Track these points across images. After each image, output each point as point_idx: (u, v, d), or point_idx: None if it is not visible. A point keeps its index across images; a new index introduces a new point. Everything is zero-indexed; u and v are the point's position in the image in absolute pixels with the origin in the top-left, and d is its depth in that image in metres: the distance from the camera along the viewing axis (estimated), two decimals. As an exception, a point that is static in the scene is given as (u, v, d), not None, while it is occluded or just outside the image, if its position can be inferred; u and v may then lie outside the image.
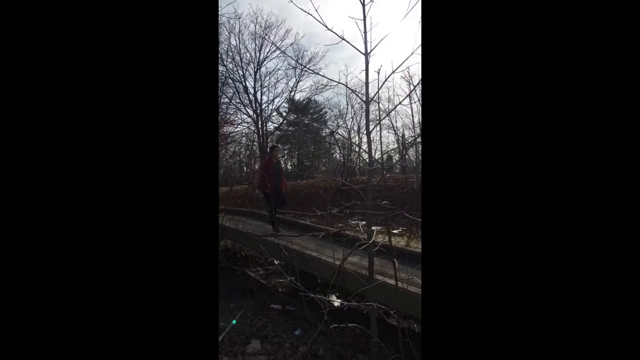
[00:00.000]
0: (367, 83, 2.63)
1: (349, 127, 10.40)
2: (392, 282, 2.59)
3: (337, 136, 10.21)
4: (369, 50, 2.57)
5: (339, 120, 10.78)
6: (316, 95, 14.19)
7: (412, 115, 9.65)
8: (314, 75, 12.44)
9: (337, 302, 3.44)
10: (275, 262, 4.72)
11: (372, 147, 2.62)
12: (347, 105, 10.42)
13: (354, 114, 10.27)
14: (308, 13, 2.62)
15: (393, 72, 2.70)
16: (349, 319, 2.96)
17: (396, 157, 8.71)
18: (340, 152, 10.19)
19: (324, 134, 16.33)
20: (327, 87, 11.68)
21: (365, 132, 2.59)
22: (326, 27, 2.65)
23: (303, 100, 14.79)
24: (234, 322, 3.16)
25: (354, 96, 10.32)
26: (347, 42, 2.65)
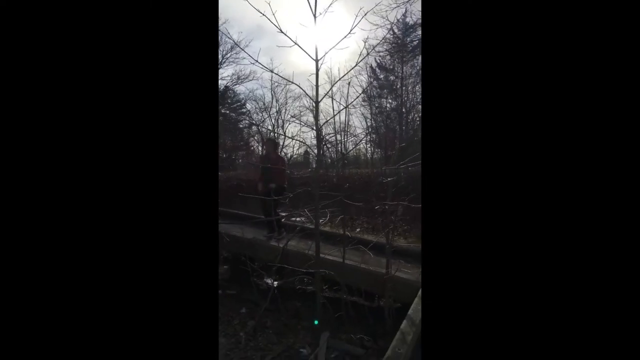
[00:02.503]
0: (317, 85, 2.98)
1: (273, 121, 10.56)
2: (335, 258, 3.05)
3: (263, 129, 10.27)
4: (319, 57, 2.93)
5: (263, 114, 10.81)
6: (237, 85, 13.85)
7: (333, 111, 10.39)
8: (234, 63, 12.03)
9: (275, 282, 3.72)
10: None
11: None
12: (272, 99, 10.55)
13: (279, 108, 10.49)
14: (263, 14, 2.84)
15: (339, 79, 3.13)
16: (294, 295, 3.32)
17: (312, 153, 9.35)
18: (263, 145, 10.29)
19: (241, 126, 16.02)
20: (249, 79, 11.54)
21: (314, 129, 2.93)
22: (280, 29, 2.92)
23: (220, 88, 14.26)
24: None
25: (279, 90, 10.56)
26: (300, 47, 2.95)
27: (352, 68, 3.03)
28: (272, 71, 3.12)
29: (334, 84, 3.12)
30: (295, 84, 3.15)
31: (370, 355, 2.40)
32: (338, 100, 10.21)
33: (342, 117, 10.65)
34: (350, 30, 2.96)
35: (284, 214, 4.08)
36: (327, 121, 7.85)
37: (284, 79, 3.02)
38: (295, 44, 2.99)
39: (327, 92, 3.11)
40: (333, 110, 10.28)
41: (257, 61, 3.03)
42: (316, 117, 2.95)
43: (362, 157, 12.12)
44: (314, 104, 9.67)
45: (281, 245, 3.35)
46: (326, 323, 2.77)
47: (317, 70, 2.99)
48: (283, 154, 10.28)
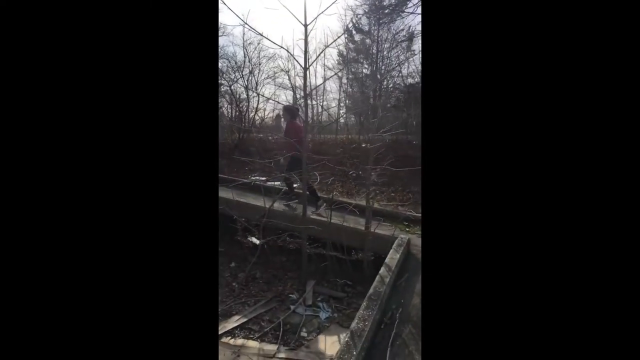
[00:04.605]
0: (306, 51, 3.05)
1: (246, 81, 10.18)
2: (318, 217, 3.32)
3: (233, 88, 9.89)
4: (308, 22, 2.97)
5: (236, 74, 10.32)
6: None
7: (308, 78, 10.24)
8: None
9: (256, 240, 3.98)
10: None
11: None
12: (245, 58, 10.06)
13: (252, 69, 10.07)
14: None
15: (327, 46, 3.20)
16: (280, 251, 3.60)
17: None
18: (237, 106, 10.00)
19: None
20: (222, 34, 10.85)
21: (303, 94, 3.03)
22: (269, -9, 2.90)
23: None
24: None
25: (252, 48, 10.10)
26: (290, 11, 2.97)
27: (339, 37, 3.09)
28: (265, 38, 3.11)
29: (322, 51, 3.19)
30: (285, 49, 3.18)
31: (351, 297, 2.77)
32: (316, 63, 10.04)
33: (319, 82, 10.56)
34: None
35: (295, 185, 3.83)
36: (314, 89, 7.76)
37: (276, 44, 3.04)
38: (284, 7, 3.00)
39: (316, 59, 3.18)
40: (310, 73, 10.12)
41: (246, 23, 3.01)
42: (304, 84, 3.04)
43: (337, 124, 12.25)
44: (289, 66, 9.43)
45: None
46: (312, 273, 3.10)
47: (306, 35, 3.04)
48: (257, 117, 10.11)
